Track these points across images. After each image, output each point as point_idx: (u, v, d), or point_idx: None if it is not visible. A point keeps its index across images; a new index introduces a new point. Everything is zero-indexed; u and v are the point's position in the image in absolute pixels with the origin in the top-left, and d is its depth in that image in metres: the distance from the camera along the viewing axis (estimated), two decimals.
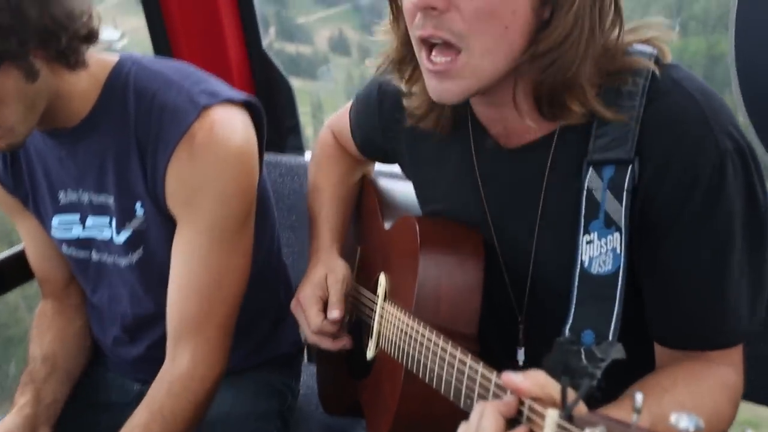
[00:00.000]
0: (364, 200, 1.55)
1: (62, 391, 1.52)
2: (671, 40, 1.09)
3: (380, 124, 1.36)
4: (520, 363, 1.20)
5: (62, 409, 1.51)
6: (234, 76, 2.07)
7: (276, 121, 2.05)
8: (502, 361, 0.99)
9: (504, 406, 0.85)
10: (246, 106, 1.37)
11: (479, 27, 0.99)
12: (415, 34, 1.04)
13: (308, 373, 1.81)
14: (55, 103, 1.29)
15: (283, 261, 1.68)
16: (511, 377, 0.84)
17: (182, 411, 1.33)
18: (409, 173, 1.37)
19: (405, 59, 1.15)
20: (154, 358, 1.53)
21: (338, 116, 1.54)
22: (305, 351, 1.81)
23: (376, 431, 1.32)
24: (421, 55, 1.06)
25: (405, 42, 1.12)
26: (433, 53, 1.03)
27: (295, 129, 2.11)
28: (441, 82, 1.04)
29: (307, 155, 2.06)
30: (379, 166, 1.61)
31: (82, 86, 1.31)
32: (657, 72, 1.03)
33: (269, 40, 2.55)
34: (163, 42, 2.01)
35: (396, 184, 1.52)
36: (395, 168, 1.43)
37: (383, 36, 1.17)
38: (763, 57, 1.40)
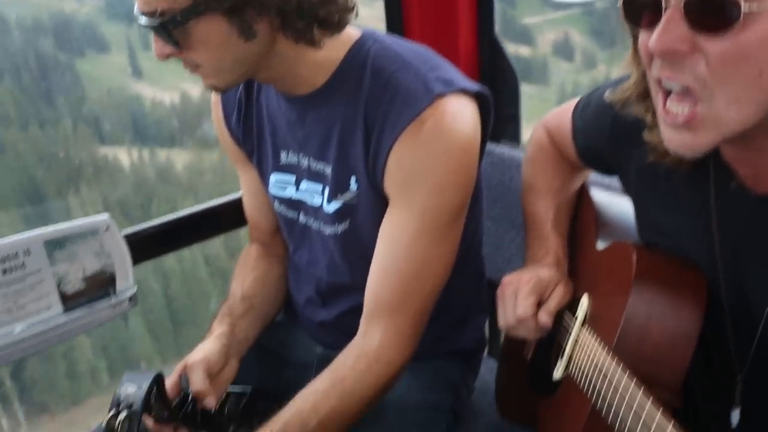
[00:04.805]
0: (580, 212, 1.47)
1: (254, 331, 1.59)
2: None
3: (610, 140, 1.27)
4: (733, 426, 1.09)
5: (249, 350, 1.57)
6: (461, 58, 2.03)
7: (496, 109, 2.00)
8: (709, 422, 0.90)
9: None
10: (477, 96, 1.35)
11: (726, 73, 0.87)
12: (652, 74, 0.95)
13: (486, 368, 1.77)
14: (289, 69, 1.32)
15: (481, 253, 1.65)
16: None
17: (363, 389, 1.34)
18: (631, 195, 1.27)
19: (648, 93, 1.04)
20: (342, 326, 1.56)
21: (557, 115, 1.46)
22: (487, 346, 1.78)
23: None
24: (657, 98, 0.96)
25: (645, 76, 1.02)
26: (669, 101, 0.93)
27: (514, 119, 2.05)
28: (677, 133, 0.93)
29: (522, 148, 2.00)
30: (597, 177, 1.52)
31: (320, 58, 1.33)
32: None
33: None
34: (397, 21, 2.01)
35: (614, 199, 1.43)
36: (614, 181, 1.34)
37: (625, 69, 1.07)
38: None
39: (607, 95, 1.15)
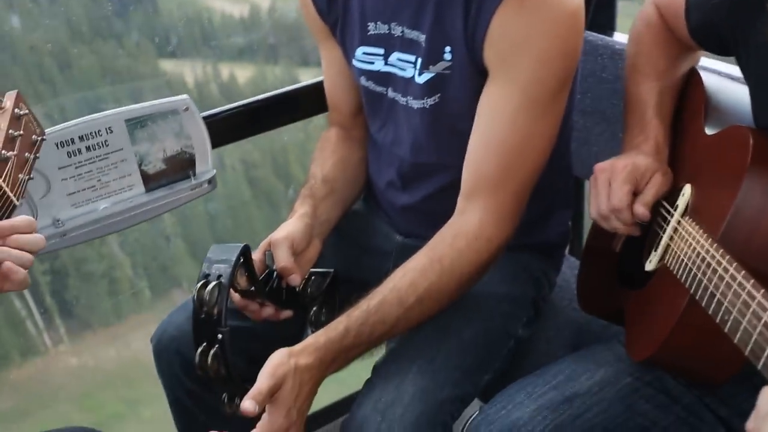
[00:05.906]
0: (688, 97, 1.37)
1: (335, 214, 1.56)
2: None
3: (730, 10, 1.16)
4: None
5: (330, 234, 1.55)
6: None
7: None
8: None
9: None
10: None
11: None
12: None
13: (567, 266, 1.72)
14: None
15: (570, 144, 1.58)
16: None
17: (462, 266, 1.32)
18: (749, 75, 1.17)
19: None
20: (424, 210, 1.52)
21: None
22: (569, 244, 1.73)
23: (636, 349, 1.22)
24: None
25: None
26: None
27: (608, 4, 1.91)
28: None
29: (617, 36, 1.87)
30: (708, 62, 1.42)
31: None
32: None
33: None
34: None
35: (728, 83, 1.33)
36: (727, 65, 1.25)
37: None
38: None
39: None
